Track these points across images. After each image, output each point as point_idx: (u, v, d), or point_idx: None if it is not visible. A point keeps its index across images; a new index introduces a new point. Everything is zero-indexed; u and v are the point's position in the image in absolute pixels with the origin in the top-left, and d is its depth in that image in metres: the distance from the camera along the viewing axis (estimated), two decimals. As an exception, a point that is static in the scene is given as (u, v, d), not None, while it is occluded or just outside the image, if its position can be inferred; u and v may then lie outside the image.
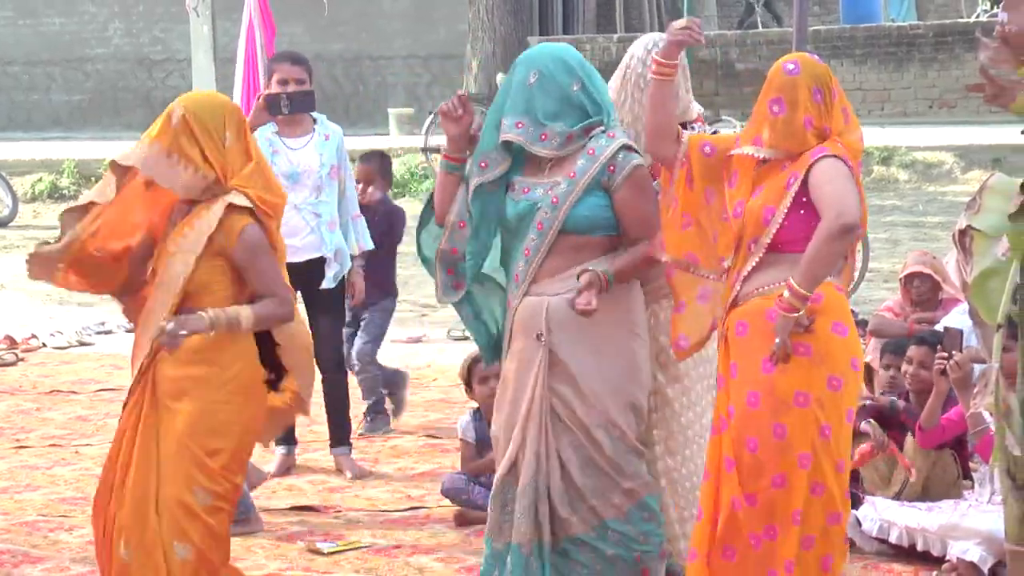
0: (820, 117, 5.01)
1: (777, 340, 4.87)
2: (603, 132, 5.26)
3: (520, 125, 5.27)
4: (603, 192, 5.22)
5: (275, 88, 7.34)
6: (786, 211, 4.95)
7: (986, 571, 5.94)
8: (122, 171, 5.20)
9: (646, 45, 5.74)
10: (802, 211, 4.95)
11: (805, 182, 4.94)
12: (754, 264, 5.01)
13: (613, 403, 5.26)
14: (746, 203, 5.06)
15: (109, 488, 5.19)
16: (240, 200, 5.13)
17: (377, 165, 8.55)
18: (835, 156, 4.95)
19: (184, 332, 5.02)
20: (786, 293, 4.86)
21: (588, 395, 5.24)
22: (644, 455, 5.37)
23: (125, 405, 5.26)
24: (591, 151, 5.22)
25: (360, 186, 8.22)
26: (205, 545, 5.13)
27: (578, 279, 5.13)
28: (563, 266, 5.22)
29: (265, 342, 5.26)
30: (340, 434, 7.77)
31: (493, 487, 5.42)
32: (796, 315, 4.85)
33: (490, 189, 5.35)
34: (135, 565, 5.11)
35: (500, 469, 5.38)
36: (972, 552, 5.95)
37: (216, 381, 5.15)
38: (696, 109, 5.92)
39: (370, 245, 7.90)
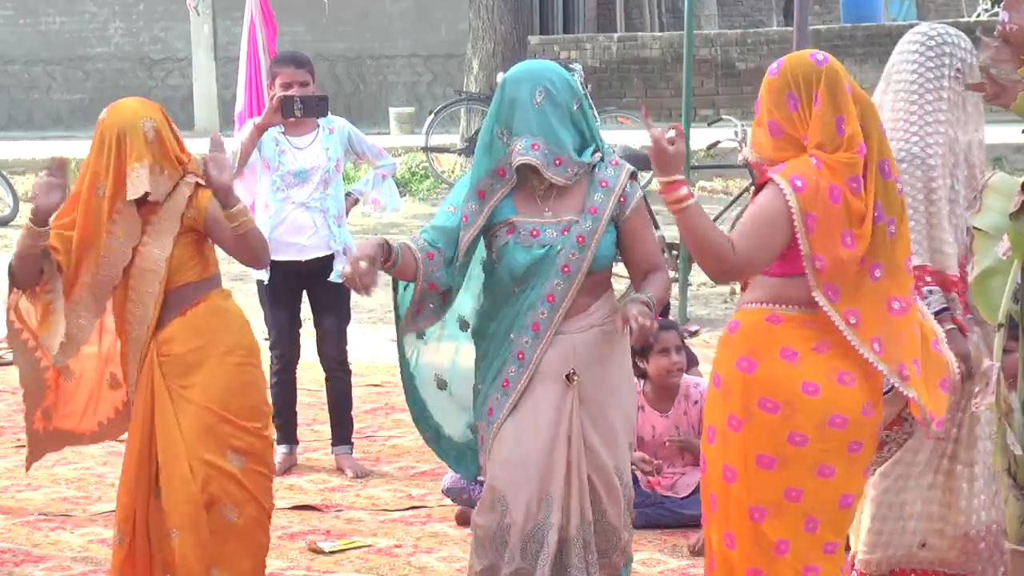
0: (792, 123, 4.50)
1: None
2: (602, 160, 4.92)
3: (536, 147, 4.83)
4: (614, 225, 4.92)
5: (278, 91, 7.35)
6: None
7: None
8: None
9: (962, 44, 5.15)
10: None
11: None
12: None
13: (623, 448, 5.03)
14: None
15: (140, 484, 5.39)
16: (195, 179, 5.37)
17: None
18: (777, 183, 4.46)
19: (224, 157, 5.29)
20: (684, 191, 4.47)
21: (608, 438, 4.97)
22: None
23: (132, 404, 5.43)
24: (603, 183, 4.89)
25: None
26: (250, 507, 5.38)
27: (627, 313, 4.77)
28: (584, 305, 4.93)
29: None
30: (342, 433, 7.78)
31: (516, 533, 4.93)
32: None
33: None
34: (188, 545, 5.30)
35: (529, 514, 4.93)
36: None
37: (221, 348, 5.36)
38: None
39: (397, 207, 8.03)
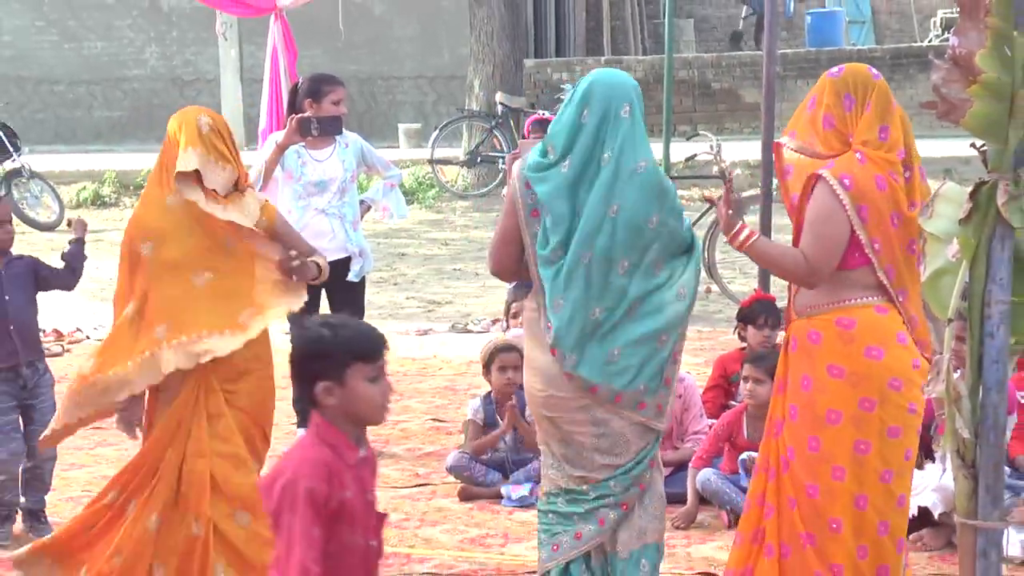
0: (843, 120, 4.67)
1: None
2: None
3: None
4: None
5: (328, 108, 7.45)
6: (799, 228, 4.74)
7: (936, 516, 5.94)
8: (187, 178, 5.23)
9: None
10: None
11: (805, 198, 4.69)
12: None
13: None
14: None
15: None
16: (259, 194, 5.47)
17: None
18: (827, 179, 4.60)
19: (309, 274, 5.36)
20: (745, 234, 4.66)
21: None
22: None
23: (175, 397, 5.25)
24: None
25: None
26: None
27: None
28: None
29: None
30: (355, 418, 7.78)
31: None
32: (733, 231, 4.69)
33: None
34: (253, 531, 5.15)
35: None
36: (927, 497, 5.95)
37: (266, 359, 5.33)
38: None
39: (403, 214, 8.07)
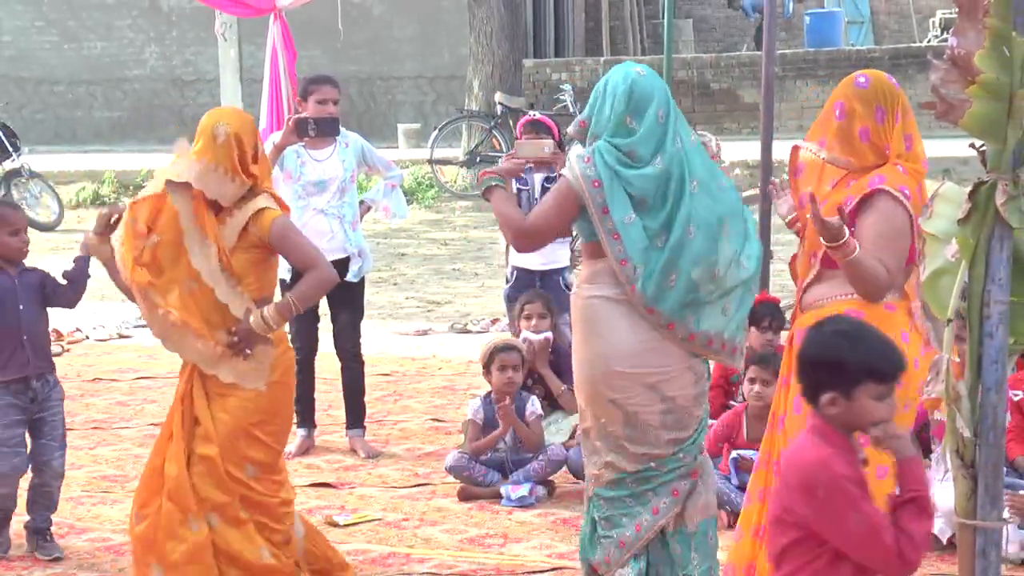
0: (878, 133, 4.72)
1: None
2: None
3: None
4: None
5: (313, 107, 7.40)
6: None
7: (944, 541, 5.93)
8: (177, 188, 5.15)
9: None
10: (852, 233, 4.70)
11: (858, 210, 4.69)
12: (813, 276, 4.85)
13: None
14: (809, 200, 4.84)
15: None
16: (267, 201, 5.20)
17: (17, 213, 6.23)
18: (892, 193, 4.63)
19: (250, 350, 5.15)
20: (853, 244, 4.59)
21: None
22: None
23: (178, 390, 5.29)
24: None
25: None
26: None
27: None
28: None
29: None
30: (355, 417, 7.78)
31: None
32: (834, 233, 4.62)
33: None
34: (230, 536, 5.16)
35: None
36: (933, 524, 5.94)
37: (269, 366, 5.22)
38: None
39: (404, 214, 8.02)
